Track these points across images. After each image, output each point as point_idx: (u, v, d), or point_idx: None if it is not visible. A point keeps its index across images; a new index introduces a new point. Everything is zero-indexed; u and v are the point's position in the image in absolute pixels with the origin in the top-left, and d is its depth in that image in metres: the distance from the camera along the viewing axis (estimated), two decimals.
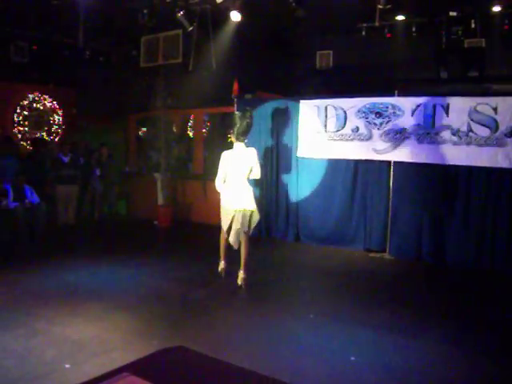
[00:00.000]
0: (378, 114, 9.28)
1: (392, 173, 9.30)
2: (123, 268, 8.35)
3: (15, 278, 7.66)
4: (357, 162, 9.67)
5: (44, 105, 14.56)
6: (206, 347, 5.21)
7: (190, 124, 15.34)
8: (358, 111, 9.52)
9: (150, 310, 6.34)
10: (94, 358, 4.94)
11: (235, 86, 11.24)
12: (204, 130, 14.54)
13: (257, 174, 7.40)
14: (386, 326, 5.95)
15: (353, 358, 5.02)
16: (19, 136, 14.00)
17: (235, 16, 9.39)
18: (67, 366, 4.74)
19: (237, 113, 7.52)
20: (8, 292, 6.96)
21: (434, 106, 8.83)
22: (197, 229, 12.01)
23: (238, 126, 7.29)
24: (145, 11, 9.70)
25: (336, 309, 6.55)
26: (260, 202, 10.45)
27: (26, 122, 14.22)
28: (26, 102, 14.15)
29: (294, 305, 6.71)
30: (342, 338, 5.58)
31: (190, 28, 10.20)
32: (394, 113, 9.14)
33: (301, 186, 10.34)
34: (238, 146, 7.34)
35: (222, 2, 9.20)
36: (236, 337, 5.63)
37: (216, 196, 12.02)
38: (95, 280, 7.65)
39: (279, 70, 11.37)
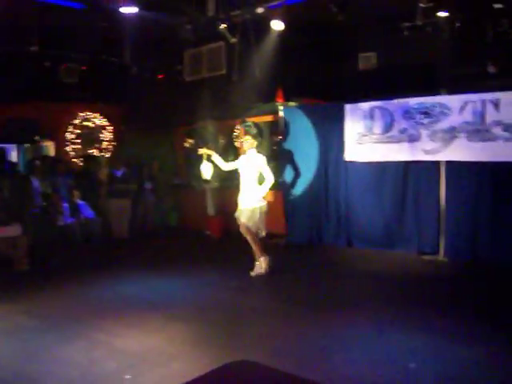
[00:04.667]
0: (426, 114, 9.16)
1: (443, 173, 9.17)
2: (179, 279, 8.46)
3: (74, 290, 7.86)
4: (406, 164, 9.55)
5: (94, 122, 14.91)
6: (265, 357, 5.21)
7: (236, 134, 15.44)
8: (405, 112, 9.43)
9: (207, 321, 6.40)
10: (153, 369, 5.02)
11: (279, 94, 11.29)
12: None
13: (268, 177, 8.19)
14: (445, 331, 5.81)
15: (412, 365, 4.91)
16: (72, 154, 14.37)
17: (277, 25, 9.45)
18: (128, 377, 4.83)
19: (248, 123, 8.44)
20: (68, 304, 7.15)
21: (484, 102, 8.64)
22: None
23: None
24: (188, 26, 9.85)
25: (392, 314, 6.44)
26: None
27: (79, 140, 14.59)
28: (77, 121, 14.53)
29: (350, 311, 6.64)
30: (400, 344, 5.50)
31: (233, 40, 10.32)
32: (441, 112, 9.01)
33: (350, 191, 10.29)
34: (250, 152, 8.31)
35: (263, 12, 9.28)
36: (293, 346, 5.60)
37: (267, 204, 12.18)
38: (152, 291, 7.77)
39: (322, 75, 11.35)
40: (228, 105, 12.71)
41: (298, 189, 10.95)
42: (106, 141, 15.27)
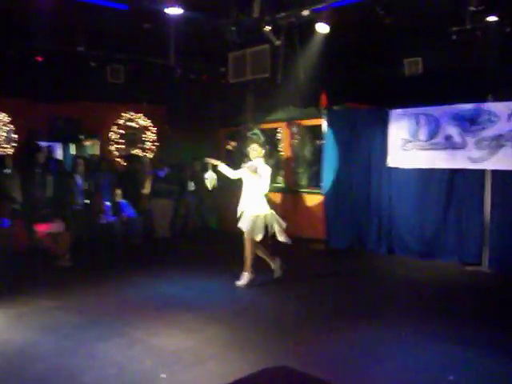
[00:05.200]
0: (472, 121, 8.96)
1: (488, 182, 8.96)
2: (218, 280, 8.47)
3: (114, 288, 8.00)
4: (451, 172, 9.36)
5: (138, 123, 15.09)
6: (299, 364, 5.15)
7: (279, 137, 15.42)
8: (451, 119, 9.25)
9: (243, 323, 6.40)
10: (189, 368, 5.05)
11: (323, 98, 11.22)
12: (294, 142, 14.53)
13: (262, 186, 8.01)
14: (485, 344, 5.66)
15: (451, 378, 4.79)
16: (116, 153, 14.57)
17: (322, 28, 9.38)
18: (163, 375, 4.86)
19: (255, 131, 8.16)
20: (108, 302, 7.26)
21: None
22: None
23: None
24: (232, 28, 9.87)
25: (432, 325, 6.31)
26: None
27: (122, 140, 14.78)
28: (121, 121, 14.72)
29: (387, 320, 6.54)
30: (439, 356, 5.36)
31: (278, 42, 10.30)
32: (488, 119, 8.79)
33: (393, 197, 10.14)
34: (256, 160, 8.10)
35: (308, 15, 9.24)
36: (328, 354, 5.54)
37: (306, 208, 12.16)
38: (190, 292, 7.83)
39: (367, 79, 11.22)
40: (271, 108, 12.71)
41: (339, 194, 10.86)
42: (150, 141, 15.43)
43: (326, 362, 5.26)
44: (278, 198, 13.03)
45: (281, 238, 8.11)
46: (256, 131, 7.86)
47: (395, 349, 5.61)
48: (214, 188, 9.00)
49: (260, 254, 8.28)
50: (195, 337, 5.92)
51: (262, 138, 7.89)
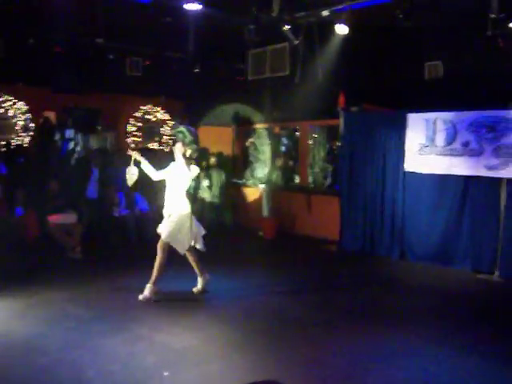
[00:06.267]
0: (490, 128, 8.83)
1: (504, 190, 8.83)
2: (228, 279, 8.44)
3: (122, 282, 8.00)
4: (466, 179, 9.24)
5: (156, 116, 15.12)
6: (305, 368, 5.18)
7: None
8: (469, 125, 9.13)
9: (250, 324, 6.36)
10: (192, 367, 5.04)
11: (341, 99, 11.15)
12: (310, 142, 14.49)
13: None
14: (496, 355, 5.58)
15: None
16: (132, 146, 14.60)
17: (341, 29, 9.33)
18: (166, 373, 4.86)
19: (179, 129, 7.36)
20: (115, 296, 7.28)
21: None
22: (301, 241, 11.96)
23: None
24: (251, 27, 9.83)
25: (442, 333, 6.23)
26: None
27: (139, 133, 14.82)
28: (139, 114, 14.76)
29: (397, 327, 6.46)
30: (451, 367, 5.27)
31: (296, 42, 10.25)
32: (507, 127, 8.66)
33: (407, 202, 10.03)
34: (181, 160, 7.22)
35: (328, 15, 9.18)
36: (335, 359, 5.47)
37: (320, 209, 12.12)
38: None
39: (386, 82, 11.15)
40: (289, 106, 12.67)
41: (354, 196, 10.80)
42: (167, 135, 15.46)
43: (332, 368, 5.20)
44: (292, 197, 13.00)
45: (198, 245, 7.45)
46: (181, 129, 7.27)
47: (403, 357, 5.53)
48: (135, 184, 8.11)
49: (191, 260, 7.58)
50: (200, 335, 5.91)
51: (189, 137, 7.15)
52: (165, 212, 7.32)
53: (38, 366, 4.99)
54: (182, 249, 7.30)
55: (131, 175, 7.68)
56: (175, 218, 7.19)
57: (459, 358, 5.49)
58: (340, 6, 9.04)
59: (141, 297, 7.03)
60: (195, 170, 7.27)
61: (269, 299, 7.49)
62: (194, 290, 7.53)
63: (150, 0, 9.12)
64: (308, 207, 12.48)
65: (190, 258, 7.53)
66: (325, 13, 9.23)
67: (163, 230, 7.24)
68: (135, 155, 7.46)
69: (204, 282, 7.56)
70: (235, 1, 9.50)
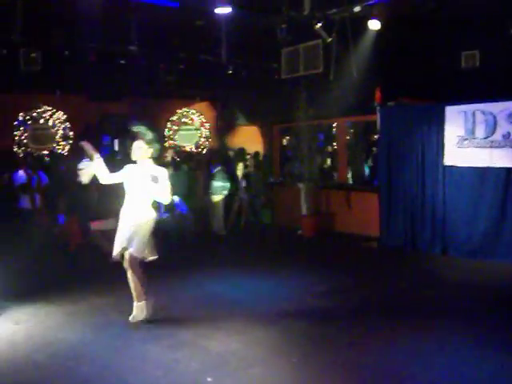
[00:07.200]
0: None
1: None
2: (268, 280, 8.42)
3: (165, 287, 7.94)
4: (508, 170, 9.06)
5: (192, 119, 15.20)
6: (344, 369, 5.14)
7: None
8: (509, 116, 8.94)
9: (290, 326, 6.34)
10: (234, 373, 5.04)
11: (378, 94, 11.03)
12: (348, 138, 14.40)
13: (162, 195, 6.34)
14: None
15: None
16: (170, 150, 14.71)
17: (374, 24, 9.23)
18: (209, 379, 4.87)
19: (140, 127, 6.33)
20: (158, 301, 7.23)
21: None
22: (341, 239, 11.90)
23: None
24: (283, 26, 9.80)
25: (484, 332, 6.08)
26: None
27: (176, 136, 14.93)
28: (175, 118, 14.86)
29: (438, 325, 6.35)
30: (490, 369, 5.12)
31: (329, 39, 10.17)
32: None
33: (448, 196, 9.88)
34: (144, 162, 6.33)
35: (360, 10, 9.09)
36: (373, 359, 5.41)
37: (359, 205, 12.02)
38: (239, 292, 7.80)
39: (422, 75, 10.97)
40: (325, 104, 12.60)
41: (393, 191, 10.68)
42: (204, 137, 15.54)
43: (368, 369, 5.16)
44: (331, 194, 12.93)
45: (150, 256, 6.57)
46: (141, 127, 6.30)
47: (441, 356, 5.43)
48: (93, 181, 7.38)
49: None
50: (242, 339, 5.91)
51: (150, 135, 6.23)
52: (124, 221, 6.32)
53: (82, 374, 5.05)
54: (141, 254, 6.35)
55: (86, 171, 7.23)
56: (139, 228, 6.26)
57: (506, 359, 5.34)
58: (371, 1, 8.93)
59: (131, 318, 6.33)
60: (162, 171, 6.30)
61: (308, 300, 7.44)
62: (130, 318, 6.36)
63: (181, 4, 9.14)
64: (347, 204, 12.40)
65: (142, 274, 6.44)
66: (356, 8, 9.14)
67: (131, 246, 6.25)
68: (87, 148, 6.42)
69: (148, 309, 6.40)
70: (266, 1, 9.48)
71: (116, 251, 6.35)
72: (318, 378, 4.95)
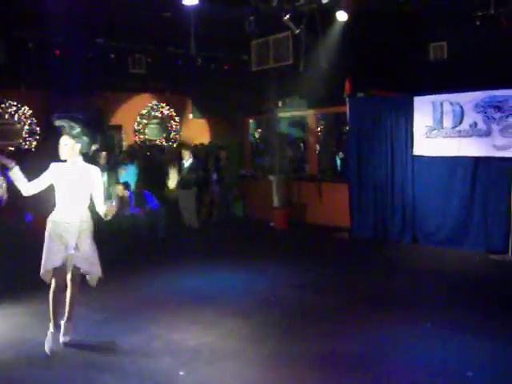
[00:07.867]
0: (497, 108, 8.78)
1: None
2: (241, 273, 8.42)
3: (135, 282, 7.94)
4: (476, 160, 9.20)
5: (162, 112, 15.09)
6: (320, 357, 5.18)
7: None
8: (476, 106, 9.07)
9: (264, 317, 6.35)
10: (207, 366, 5.03)
11: (347, 85, 11.07)
12: (318, 130, 14.43)
13: (98, 203, 5.48)
14: (509, 337, 5.56)
15: (470, 374, 4.71)
16: (139, 143, 14.62)
17: (342, 16, 9.25)
18: (181, 373, 4.85)
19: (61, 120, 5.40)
20: (129, 296, 7.23)
21: None
22: (312, 230, 11.94)
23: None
24: (251, 18, 9.75)
25: (453, 317, 6.22)
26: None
27: (146, 130, 14.81)
28: (144, 111, 14.74)
29: (409, 312, 6.44)
30: (459, 350, 5.29)
31: (297, 31, 10.16)
32: None
33: (417, 186, 10.00)
34: (73, 160, 5.41)
35: (328, 2, 9.09)
36: (349, 347, 5.47)
37: (330, 197, 12.08)
38: (212, 284, 7.78)
39: (391, 66, 11.04)
40: (296, 95, 12.61)
41: (363, 182, 10.76)
42: (174, 131, 15.44)
43: (346, 356, 5.21)
44: (302, 186, 12.97)
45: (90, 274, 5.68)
46: (65, 119, 5.34)
47: (414, 342, 5.55)
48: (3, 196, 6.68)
49: (69, 293, 5.59)
50: (215, 332, 5.89)
51: (77, 128, 5.27)
52: (57, 228, 5.34)
53: (50, 374, 4.99)
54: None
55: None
56: (84, 237, 5.45)
57: (473, 341, 5.49)
58: None
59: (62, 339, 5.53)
60: (95, 170, 5.51)
61: (282, 290, 7.47)
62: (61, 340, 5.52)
63: None
64: (319, 196, 12.45)
65: (71, 289, 5.58)
66: (324, 0, 9.13)
67: (77, 257, 5.42)
68: (1, 159, 5.43)
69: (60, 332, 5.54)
70: None
71: (56, 263, 5.36)
72: (289, 369, 4.95)
